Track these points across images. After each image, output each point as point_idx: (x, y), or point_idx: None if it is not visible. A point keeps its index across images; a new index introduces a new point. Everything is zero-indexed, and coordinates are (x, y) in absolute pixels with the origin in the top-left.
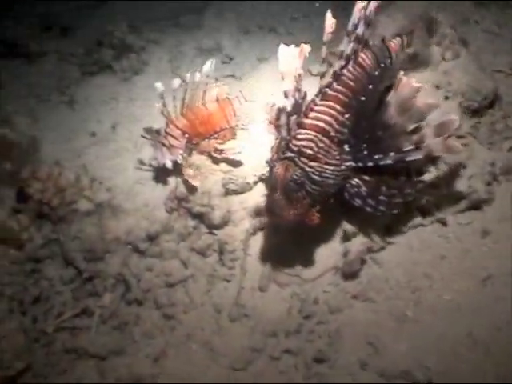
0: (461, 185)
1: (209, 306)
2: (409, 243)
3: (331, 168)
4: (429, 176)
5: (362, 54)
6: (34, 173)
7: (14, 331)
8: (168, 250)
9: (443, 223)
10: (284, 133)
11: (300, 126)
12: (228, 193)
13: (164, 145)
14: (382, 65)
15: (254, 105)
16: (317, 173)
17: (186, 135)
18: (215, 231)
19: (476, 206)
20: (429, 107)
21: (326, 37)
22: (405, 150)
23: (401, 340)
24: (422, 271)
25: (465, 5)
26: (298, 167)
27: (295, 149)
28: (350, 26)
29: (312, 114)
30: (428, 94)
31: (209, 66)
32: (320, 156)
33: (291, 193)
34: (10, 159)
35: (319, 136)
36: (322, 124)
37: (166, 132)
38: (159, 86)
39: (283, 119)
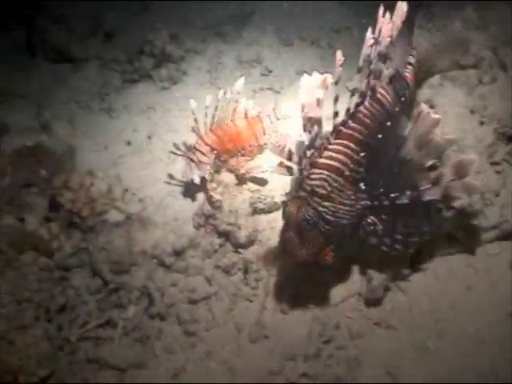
0: (492, 213)
1: (230, 325)
2: (435, 272)
3: (345, 208)
4: (460, 203)
5: (381, 90)
6: (66, 182)
7: (39, 338)
8: (193, 266)
9: (472, 252)
10: (296, 172)
11: (313, 165)
12: (256, 212)
13: (192, 160)
14: (403, 99)
15: (288, 121)
16: (330, 213)
17: (215, 151)
18: (241, 250)
19: (506, 237)
20: (448, 142)
21: (337, 74)
22: (421, 188)
23: (421, 371)
24: (447, 301)
25: (507, 26)
26: (311, 207)
27: (308, 188)
28: (360, 63)
29: (326, 153)
30: (463, 118)
31: (241, 82)
32: (333, 196)
33: (304, 232)
34: (46, 167)
35: (333, 175)
36: (335, 163)
37: (194, 148)
38: (193, 102)
39: (295, 159)
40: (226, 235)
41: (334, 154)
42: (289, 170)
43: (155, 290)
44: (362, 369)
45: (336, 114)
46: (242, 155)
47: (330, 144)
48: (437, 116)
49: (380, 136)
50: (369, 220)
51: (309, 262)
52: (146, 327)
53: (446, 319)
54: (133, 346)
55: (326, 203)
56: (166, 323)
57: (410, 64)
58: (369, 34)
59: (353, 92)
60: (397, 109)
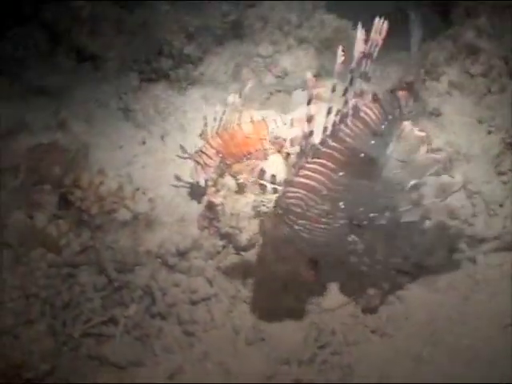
0: (495, 224)
1: (228, 327)
2: (434, 281)
3: (322, 226)
4: (464, 212)
5: (365, 109)
6: (76, 180)
7: (43, 334)
8: (195, 267)
9: (472, 263)
10: (270, 191)
11: (289, 184)
12: (259, 215)
13: (198, 163)
14: (390, 117)
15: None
16: (306, 231)
17: (220, 155)
18: (242, 252)
19: (508, 248)
20: (433, 162)
21: (309, 94)
22: (401, 209)
23: (414, 381)
24: (444, 312)
25: None
26: (287, 225)
27: (284, 206)
28: (334, 81)
29: (302, 172)
30: (470, 127)
31: (248, 87)
32: (309, 214)
33: (280, 249)
34: (59, 165)
35: (309, 194)
36: (312, 182)
37: (201, 151)
38: (204, 108)
39: (267, 178)
40: (228, 237)
41: (310, 173)
42: (262, 187)
43: (157, 289)
44: (355, 375)
45: (311, 133)
46: (248, 159)
47: (308, 163)
48: (421, 134)
49: (362, 155)
50: (349, 239)
51: (288, 279)
52: (146, 326)
53: (443, 329)
54: (133, 344)
55: (302, 221)
56: (166, 323)
57: (407, 83)
58: (339, 51)
59: (329, 110)
60: (383, 127)
